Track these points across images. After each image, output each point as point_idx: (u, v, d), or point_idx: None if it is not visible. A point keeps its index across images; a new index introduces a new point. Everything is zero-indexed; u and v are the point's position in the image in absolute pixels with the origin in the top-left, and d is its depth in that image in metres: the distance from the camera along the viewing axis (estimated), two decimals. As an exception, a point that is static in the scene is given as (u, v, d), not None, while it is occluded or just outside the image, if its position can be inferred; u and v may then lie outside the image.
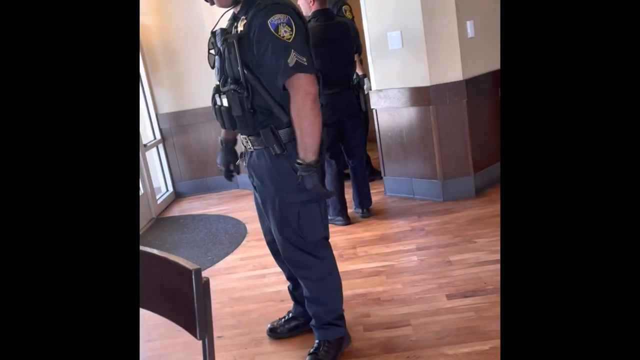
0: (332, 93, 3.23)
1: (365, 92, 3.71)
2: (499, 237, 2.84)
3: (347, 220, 3.45)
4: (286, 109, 1.77)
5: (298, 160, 1.76)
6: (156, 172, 4.80)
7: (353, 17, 3.98)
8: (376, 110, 3.76)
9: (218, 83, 1.86)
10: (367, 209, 3.55)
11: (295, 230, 1.87)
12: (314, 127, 1.73)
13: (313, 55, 1.80)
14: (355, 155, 3.47)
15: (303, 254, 1.92)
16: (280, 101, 1.77)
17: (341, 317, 2.04)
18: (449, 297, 2.33)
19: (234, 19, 1.83)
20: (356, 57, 3.48)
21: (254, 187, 1.98)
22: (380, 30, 3.56)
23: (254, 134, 1.83)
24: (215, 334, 2.33)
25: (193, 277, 1.08)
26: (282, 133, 1.80)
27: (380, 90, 3.67)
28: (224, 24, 1.88)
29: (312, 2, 3.26)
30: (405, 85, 3.53)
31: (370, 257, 2.89)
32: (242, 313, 2.49)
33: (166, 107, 4.69)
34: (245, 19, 1.74)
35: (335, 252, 3.01)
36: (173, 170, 4.82)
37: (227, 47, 1.77)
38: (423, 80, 3.43)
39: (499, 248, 2.70)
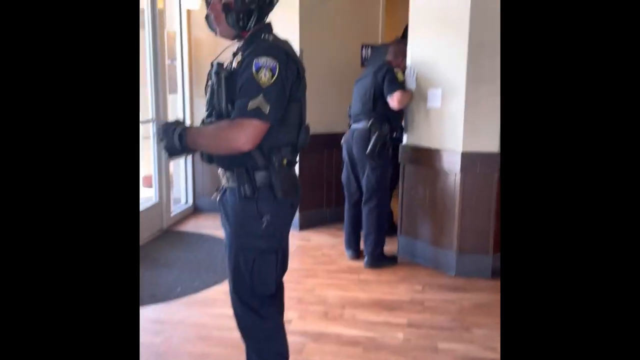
0: (351, 128, 3.48)
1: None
2: (499, 332, 2.55)
3: (352, 254, 3.61)
4: (263, 151, 1.70)
5: (182, 127, 1.68)
6: (179, 183, 4.78)
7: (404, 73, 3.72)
8: (403, 165, 3.57)
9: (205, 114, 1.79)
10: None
11: (247, 280, 1.76)
12: (209, 146, 1.68)
13: (303, 105, 1.76)
14: (361, 195, 3.52)
15: (248, 311, 1.80)
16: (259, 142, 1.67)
17: None
18: (421, 391, 2.09)
19: (234, 54, 1.77)
20: (392, 96, 3.26)
21: (224, 227, 1.88)
22: (421, 84, 3.39)
23: (230, 171, 1.74)
24: (165, 372, 2.19)
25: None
26: (258, 175, 1.71)
27: (410, 146, 3.49)
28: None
29: None
30: (437, 146, 3.33)
31: (355, 322, 2.68)
32: (201, 355, 2.34)
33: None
34: (242, 56, 1.67)
35: (321, 309, 2.85)
36: (197, 183, 4.79)
37: (217, 81, 1.70)
38: (456, 144, 3.22)
39: (495, 345, 2.43)
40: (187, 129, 1.69)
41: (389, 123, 3.37)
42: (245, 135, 1.59)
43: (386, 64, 3.39)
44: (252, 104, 1.59)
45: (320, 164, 4.32)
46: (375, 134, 3.28)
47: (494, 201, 3.21)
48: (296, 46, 3.94)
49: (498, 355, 2.34)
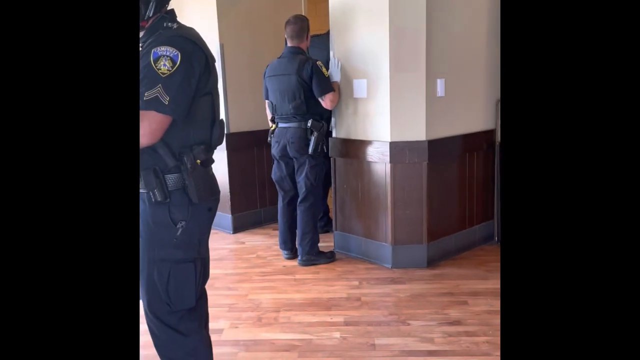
0: (282, 127, 3.31)
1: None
2: (436, 321, 2.53)
3: (289, 254, 3.50)
4: (173, 150, 1.56)
5: None
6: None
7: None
8: (334, 159, 3.50)
9: None
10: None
11: (163, 295, 1.61)
12: None
13: (215, 99, 1.64)
14: (299, 194, 3.40)
15: (165, 329, 1.64)
16: (167, 140, 1.53)
17: None
18: (359, 392, 2.01)
19: None
20: (324, 98, 3.23)
21: None
22: (347, 76, 3.32)
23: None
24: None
25: None
26: (170, 178, 1.57)
27: (339, 139, 3.42)
28: None
29: None
30: (365, 137, 3.27)
31: (290, 325, 2.57)
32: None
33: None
34: (142, 46, 1.52)
35: (254, 314, 2.72)
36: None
37: None
38: (384, 134, 3.18)
39: (432, 336, 2.40)
40: None
41: (325, 120, 3.35)
42: (140, 128, 1.43)
43: (308, 60, 3.25)
44: (148, 95, 1.45)
45: (250, 163, 4.18)
46: (315, 134, 3.20)
47: (424, 190, 3.19)
48: (215, 41, 3.78)
49: (435, 347, 2.31)
